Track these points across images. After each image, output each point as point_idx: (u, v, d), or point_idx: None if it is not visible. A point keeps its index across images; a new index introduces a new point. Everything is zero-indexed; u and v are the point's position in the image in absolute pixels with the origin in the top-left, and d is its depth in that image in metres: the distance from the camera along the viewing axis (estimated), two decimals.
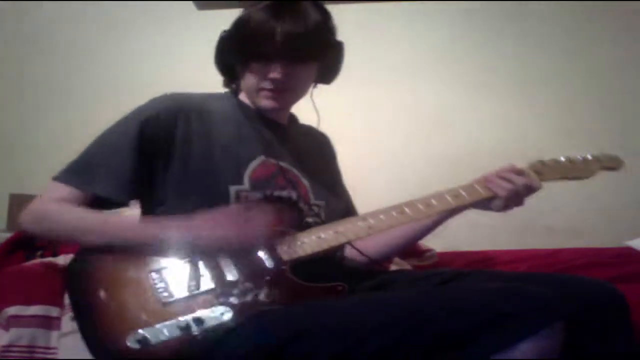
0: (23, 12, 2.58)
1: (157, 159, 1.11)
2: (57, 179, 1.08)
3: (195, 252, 1.00)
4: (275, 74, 1.11)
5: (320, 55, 1.16)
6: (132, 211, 1.20)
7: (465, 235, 2.16)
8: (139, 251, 1.00)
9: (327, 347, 0.86)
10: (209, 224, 1.00)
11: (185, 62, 2.37)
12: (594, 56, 2.36)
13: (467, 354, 0.82)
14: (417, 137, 2.40)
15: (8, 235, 1.79)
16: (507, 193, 1.14)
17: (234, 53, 1.15)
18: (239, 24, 1.14)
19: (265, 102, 1.16)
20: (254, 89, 1.15)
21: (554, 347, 0.83)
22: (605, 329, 0.93)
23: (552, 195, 2.14)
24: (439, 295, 0.91)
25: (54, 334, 1.33)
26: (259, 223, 1.02)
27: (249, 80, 1.15)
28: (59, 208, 1.04)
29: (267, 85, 1.13)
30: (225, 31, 1.18)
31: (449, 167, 2.24)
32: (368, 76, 2.23)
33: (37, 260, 1.56)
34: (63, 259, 1.49)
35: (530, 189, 1.16)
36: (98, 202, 1.08)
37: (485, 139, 2.35)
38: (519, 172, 1.17)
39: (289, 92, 1.16)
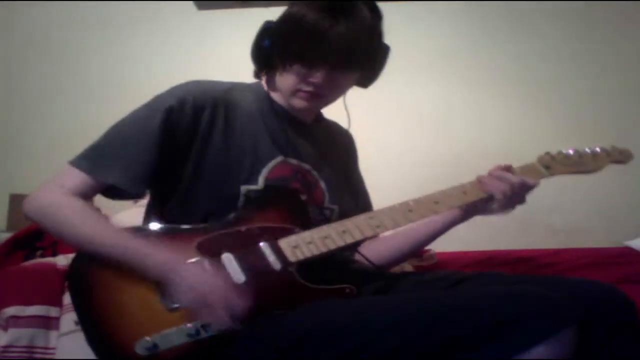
0: (23, 12, 2.58)
1: (176, 150, 1.07)
2: (71, 163, 1.04)
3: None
4: (318, 79, 1.06)
5: (367, 64, 1.12)
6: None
7: (465, 235, 2.16)
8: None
9: (336, 349, 0.85)
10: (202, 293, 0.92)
11: (186, 62, 2.37)
12: (597, 56, 2.36)
13: (479, 356, 0.81)
14: (420, 137, 2.40)
15: (8, 235, 1.80)
16: (502, 191, 1.13)
17: (279, 49, 1.08)
18: (290, 20, 1.06)
19: (299, 103, 1.11)
20: (291, 89, 1.10)
21: (566, 351, 0.82)
22: (614, 334, 0.92)
23: (552, 195, 2.15)
24: (451, 297, 0.90)
25: (53, 334, 1.32)
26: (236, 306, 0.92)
27: (287, 79, 1.09)
28: (68, 204, 1.00)
29: (305, 87, 1.08)
30: (270, 22, 1.11)
31: (452, 167, 2.23)
32: None
33: (37, 260, 1.56)
34: (62, 259, 1.49)
35: (526, 186, 1.15)
36: (111, 191, 1.05)
37: (488, 139, 2.35)
38: (509, 170, 1.17)
39: (326, 97, 1.12)
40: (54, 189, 1.02)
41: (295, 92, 1.10)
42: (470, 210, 1.19)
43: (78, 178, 1.03)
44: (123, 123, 1.08)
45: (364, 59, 1.09)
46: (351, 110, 1.29)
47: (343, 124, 1.31)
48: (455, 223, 1.21)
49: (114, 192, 1.06)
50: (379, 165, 2.28)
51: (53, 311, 1.33)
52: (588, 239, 2.10)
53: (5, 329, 1.30)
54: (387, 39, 1.18)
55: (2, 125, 2.56)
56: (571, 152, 1.25)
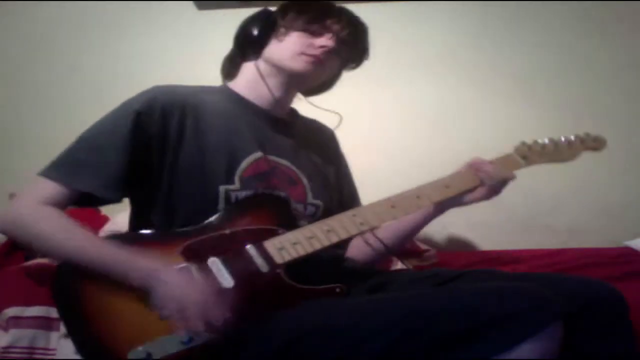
0: (23, 12, 2.58)
1: (148, 156, 1.06)
2: (41, 174, 1.03)
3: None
4: (328, 42, 1.13)
5: (363, 53, 1.24)
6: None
7: (465, 235, 2.16)
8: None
9: (329, 349, 0.85)
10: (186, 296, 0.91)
11: (185, 62, 2.37)
12: (597, 56, 2.35)
13: (467, 354, 0.81)
14: (420, 137, 2.39)
15: None
16: (490, 181, 1.16)
17: (291, 13, 1.15)
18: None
19: (302, 65, 1.13)
20: (296, 51, 1.13)
21: (553, 347, 0.82)
22: (604, 329, 0.92)
23: (552, 195, 2.15)
24: (439, 296, 0.90)
25: (54, 335, 1.32)
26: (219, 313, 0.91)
27: (290, 42, 1.14)
28: (42, 215, 0.98)
29: (311, 50, 1.13)
30: (267, 8, 1.19)
31: (452, 166, 2.22)
32: (370, 75, 2.22)
33: (37, 261, 1.56)
34: None
35: (503, 180, 1.18)
36: (86, 199, 1.04)
37: (488, 139, 2.34)
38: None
39: (322, 67, 1.16)
40: (27, 201, 1.00)
41: (299, 54, 1.13)
42: (447, 204, 1.20)
43: (51, 188, 1.01)
44: (92, 131, 1.07)
45: (363, 45, 1.21)
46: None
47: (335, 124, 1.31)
48: (433, 217, 1.23)
49: (88, 200, 1.04)
50: (379, 164, 2.27)
51: (53, 312, 1.33)
52: (588, 239, 2.10)
53: (5, 329, 1.30)
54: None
55: (2, 125, 2.56)
56: (547, 141, 1.26)
